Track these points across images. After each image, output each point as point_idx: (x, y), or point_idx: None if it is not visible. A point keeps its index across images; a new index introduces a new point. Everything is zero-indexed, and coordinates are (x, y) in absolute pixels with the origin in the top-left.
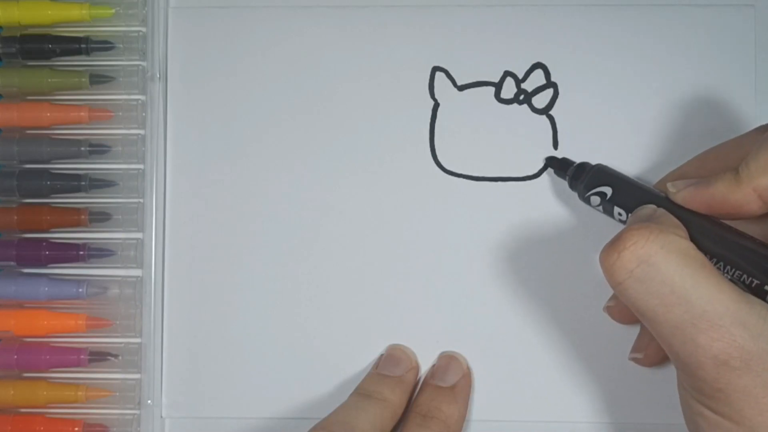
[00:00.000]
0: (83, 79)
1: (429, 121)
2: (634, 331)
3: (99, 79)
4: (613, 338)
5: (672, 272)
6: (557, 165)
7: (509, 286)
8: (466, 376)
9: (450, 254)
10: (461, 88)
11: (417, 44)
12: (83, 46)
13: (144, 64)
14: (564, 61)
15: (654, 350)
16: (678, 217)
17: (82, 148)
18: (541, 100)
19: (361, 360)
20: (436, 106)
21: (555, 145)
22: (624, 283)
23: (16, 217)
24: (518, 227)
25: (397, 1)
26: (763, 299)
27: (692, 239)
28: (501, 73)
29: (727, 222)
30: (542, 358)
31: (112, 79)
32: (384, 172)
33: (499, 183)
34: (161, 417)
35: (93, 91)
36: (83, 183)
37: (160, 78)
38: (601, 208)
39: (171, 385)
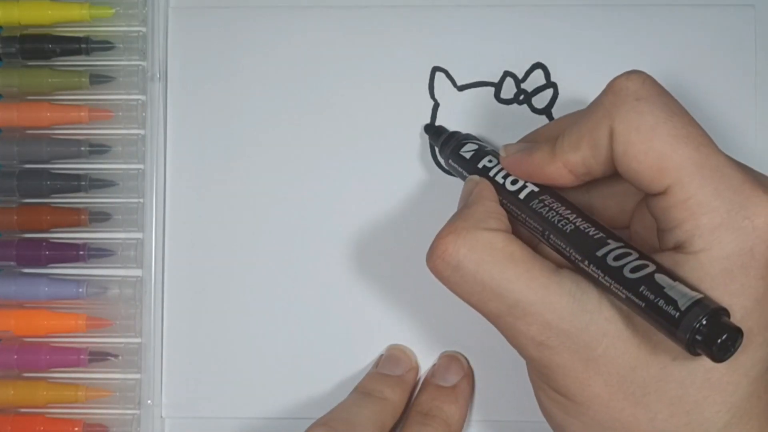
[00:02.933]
0: (83, 79)
1: (429, 121)
2: None
3: (99, 79)
4: None
5: (481, 271)
6: (432, 131)
7: None
8: (467, 377)
9: None
10: (461, 88)
11: (417, 44)
12: (83, 46)
13: (144, 64)
14: (564, 61)
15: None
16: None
17: (82, 148)
18: (541, 100)
19: (361, 360)
20: (436, 106)
21: None
22: (446, 285)
23: (16, 217)
24: None
25: (397, 1)
26: (573, 263)
27: (515, 206)
28: (501, 73)
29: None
30: None
31: (112, 79)
32: (384, 172)
33: None
34: (161, 417)
35: (93, 91)
36: (83, 183)
37: (160, 78)
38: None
39: (171, 385)
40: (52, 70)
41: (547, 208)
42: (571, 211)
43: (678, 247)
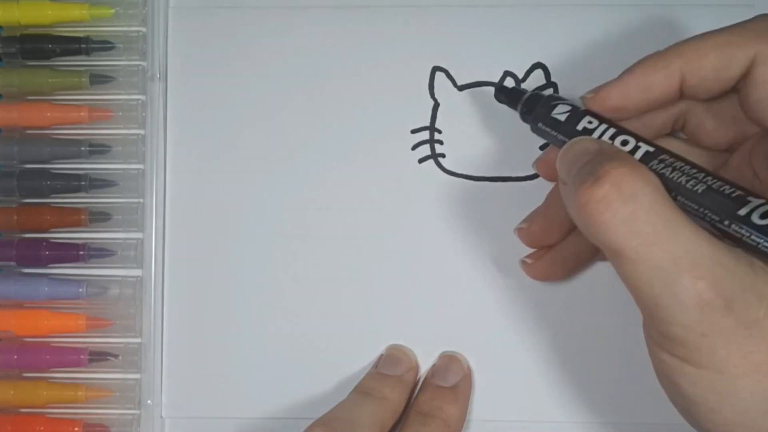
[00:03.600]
0: (83, 79)
1: (429, 121)
2: (634, 332)
3: (99, 79)
4: (613, 338)
5: (655, 210)
6: (509, 95)
7: (509, 286)
8: (467, 377)
9: (450, 254)
10: (461, 88)
11: (417, 44)
12: (83, 46)
13: (144, 64)
14: (564, 61)
15: (545, 264)
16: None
17: (82, 148)
18: None
19: (361, 360)
20: (436, 106)
21: None
22: (604, 223)
23: (16, 217)
24: None
25: (397, 1)
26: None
27: (619, 132)
28: (501, 73)
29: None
30: (542, 358)
31: (112, 79)
32: (384, 172)
33: (499, 183)
34: (161, 417)
35: (93, 91)
36: (83, 183)
37: (160, 78)
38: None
39: (171, 385)
40: (52, 70)
41: (669, 168)
42: (697, 169)
43: None
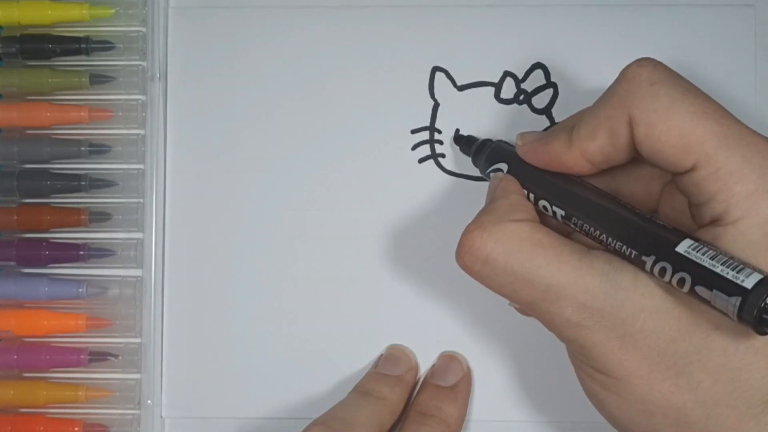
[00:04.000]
0: (83, 79)
1: (429, 121)
2: None
3: (99, 79)
4: None
5: (510, 261)
6: (463, 142)
7: None
8: (467, 377)
9: (450, 254)
10: (461, 88)
11: (417, 44)
12: (83, 46)
13: (144, 64)
14: (564, 61)
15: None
16: (528, 176)
17: (82, 148)
18: (541, 100)
19: (360, 360)
20: (436, 106)
21: None
22: (478, 280)
23: (16, 217)
24: None
25: (397, 1)
26: (607, 248)
27: (539, 196)
28: (501, 73)
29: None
30: (542, 358)
31: (112, 79)
32: (384, 172)
33: None
34: (161, 417)
35: (93, 91)
36: (83, 183)
37: (160, 78)
38: None
39: (171, 385)
40: (52, 70)
41: (583, 231)
42: (601, 230)
43: (715, 221)
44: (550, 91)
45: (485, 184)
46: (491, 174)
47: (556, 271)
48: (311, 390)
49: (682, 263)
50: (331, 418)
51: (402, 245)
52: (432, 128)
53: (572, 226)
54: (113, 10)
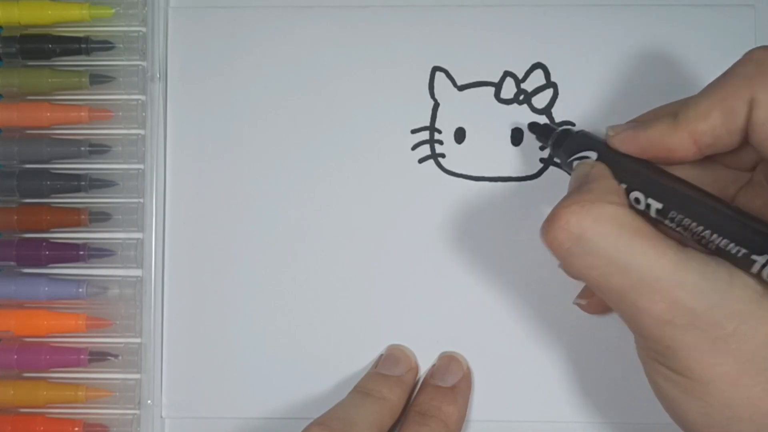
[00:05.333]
0: (83, 79)
1: (429, 121)
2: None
3: (99, 79)
4: (613, 338)
5: (606, 243)
6: (540, 131)
7: (509, 286)
8: (466, 377)
9: (450, 254)
10: (461, 88)
11: (417, 44)
12: (83, 46)
13: (144, 64)
14: (564, 61)
15: (598, 300)
16: (621, 167)
17: (82, 148)
18: (541, 100)
19: (360, 360)
20: (436, 106)
21: None
22: (564, 259)
23: (16, 217)
24: (518, 227)
25: (397, 1)
26: (705, 246)
27: (633, 188)
28: (501, 73)
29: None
30: (542, 358)
31: (112, 79)
32: (384, 172)
33: (499, 183)
34: (161, 417)
35: (93, 91)
36: (83, 183)
37: (160, 78)
38: None
39: (171, 385)
40: (52, 70)
41: (681, 228)
42: (704, 226)
43: None
44: (550, 91)
45: (485, 185)
46: (576, 162)
47: (653, 261)
48: (311, 390)
49: None
50: (331, 418)
51: (402, 245)
52: (432, 128)
53: (666, 221)
54: (113, 10)
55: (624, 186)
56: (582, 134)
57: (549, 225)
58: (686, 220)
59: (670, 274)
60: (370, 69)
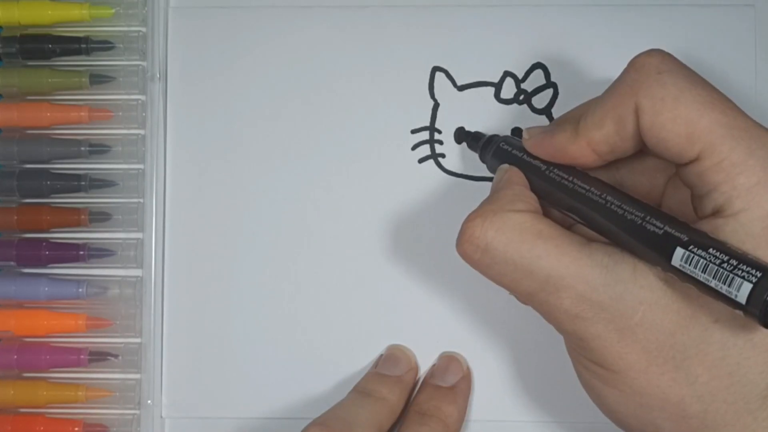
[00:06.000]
0: (83, 79)
1: (429, 121)
2: None
3: (99, 79)
4: None
5: (510, 251)
6: (470, 138)
7: None
8: (466, 377)
9: (450, 254)
10: (461, 88)
11: (417, 44)
12: (83, 46)
13: (144, 64)
14: (564, 61)
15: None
16: (533, 167)
17: (82, 148)
18: (541, 100)
19: (360, 360)
20: (436, 106)
21: None
22: (477, 269)
23: (16, 217)
24: None
25: (397, 1)
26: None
27: (544, 189)
28: (501, 73)
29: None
30: (542, 358)
31: (112, 79)
32: (384, 172)
33: None
34: (161, 417)
35: (93, 91)
36: (83, 183)
37: (160, 78)
38: None
39: (171, 385)
40: (52, 70)
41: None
42: (598, 183)
43: (717, 212)
44: (550, 91)
45: (485, 184)
46: (501, 166)
47: (555, 261)
48: (311, 390)
49: (680, 275)
50: (331, 418)
51: (402, 245)
52: (432, 128)
53: (575, 217)
54: (113, 10)
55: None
56: (505, 140)
57: (458, 239)
58: (590, 216)
59: (572, 271)
60: (370, 69)
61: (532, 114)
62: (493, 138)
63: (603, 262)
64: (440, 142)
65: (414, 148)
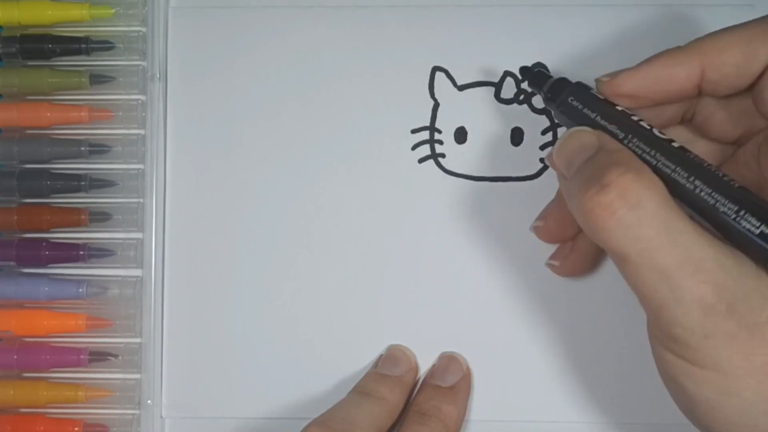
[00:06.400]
0: (83, 79)
1: (429, 121)
2: (634, 332)
3: (99, 79)
4: (613, 339)
5: (661, 215)
6: (532, 78)
7: (509, 286)
8: (466, 377)
9: (450, 254)
10: (461, 88)
11: (417, 44)
12: (83, 46)
13: (144, 64)
14: (564, 61)
15: (572, 262)
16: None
17: (82, 148)
18: (541, 100)
19: (360, 360)
20: (436, 106)
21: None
22: (611, 228)
23: (16, 217)
24: (518, 227)
25: (397, 1)
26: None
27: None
28: (501, 73)
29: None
30: (542, 358)
31: (112, 79)
32: (384, 172)
33: (499, 183)
34: (161, 417)
35: (93, 91)
36: (83, 183)
37: (160, 78)
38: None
39: (171, 385)
40: (52, 70)
41: (705, 162)
42: (696, 173)
43: None
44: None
45: (485, 185)
46: (574, 129)
47: (696, 241)
48: (311, 390)
49: None
50: (330, 418)
51: (402, 245)
52: (432, 128)
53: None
54: (113, 10)
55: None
56: (580, 87)
57: (602, 191)
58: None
59: (714, 254)
60: (370, 69)
61: (532, 114)
62: (565, 80)
63: (736, 254)
64: (440, 142)
65: (414, 148)
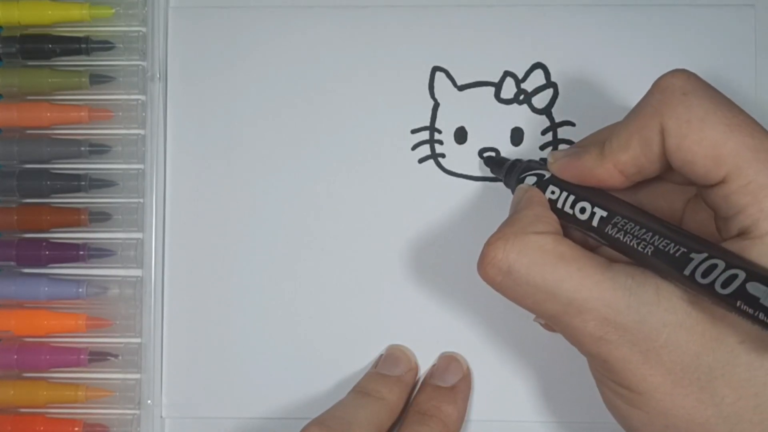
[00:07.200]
0: (83, 79)
1: (429, 121)
2: None
3: (99, 79)
4: None
5: (532, 274)
6: (493, 163)
7: None
8: (466, 377)
9: (450, 254)
10: (461, 88)
11: (417, 44)
12: (83, 46)
13: (144, 64)
14: (564, 61)
15: None
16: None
17: (82, 148)
18: (541, 100)
19: (360, 360)
20: (436, 106)
21: (555, 145)
22: (500, 291)
23: (16, 217)
24: None
25: (397, 1)
26: (639, 254)
27: (580, 198)
28: (501, 73)
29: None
30: (542, 358)
31: (112, 79)
32: (384, 172)
33: (499, 183)
34: (161, 417)
35: (93, 91)
36: (83, 183)
37: (160, 78)
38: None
39: (171, 385)
40: (52, 70)
41: (622, 233)
42: (646, 229)
43: (743, 234)
44: (550, 91)
45: (485, 185)
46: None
47: (578, 285)
48: (311, 390)
49: (734, 260)
50: (330, 418)
51: (402, 245)
52: (432, 128)
53: (608, 228)
54: (113, 10)
55: (572, 197)
56: (528, 165)
57: (480, 262)
58: (630, 224)
59: (596, 294)
60: (370, 69)
61: (532, 114)
62: (517, 163)
63: (626, 285)
64: (440, 142)
65: (414, 148)
